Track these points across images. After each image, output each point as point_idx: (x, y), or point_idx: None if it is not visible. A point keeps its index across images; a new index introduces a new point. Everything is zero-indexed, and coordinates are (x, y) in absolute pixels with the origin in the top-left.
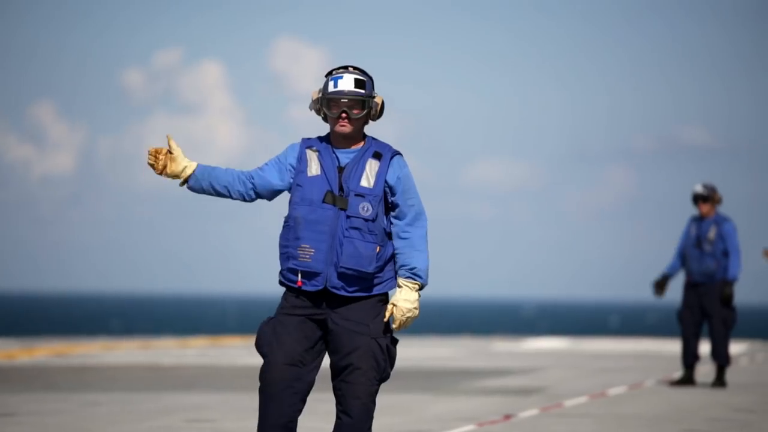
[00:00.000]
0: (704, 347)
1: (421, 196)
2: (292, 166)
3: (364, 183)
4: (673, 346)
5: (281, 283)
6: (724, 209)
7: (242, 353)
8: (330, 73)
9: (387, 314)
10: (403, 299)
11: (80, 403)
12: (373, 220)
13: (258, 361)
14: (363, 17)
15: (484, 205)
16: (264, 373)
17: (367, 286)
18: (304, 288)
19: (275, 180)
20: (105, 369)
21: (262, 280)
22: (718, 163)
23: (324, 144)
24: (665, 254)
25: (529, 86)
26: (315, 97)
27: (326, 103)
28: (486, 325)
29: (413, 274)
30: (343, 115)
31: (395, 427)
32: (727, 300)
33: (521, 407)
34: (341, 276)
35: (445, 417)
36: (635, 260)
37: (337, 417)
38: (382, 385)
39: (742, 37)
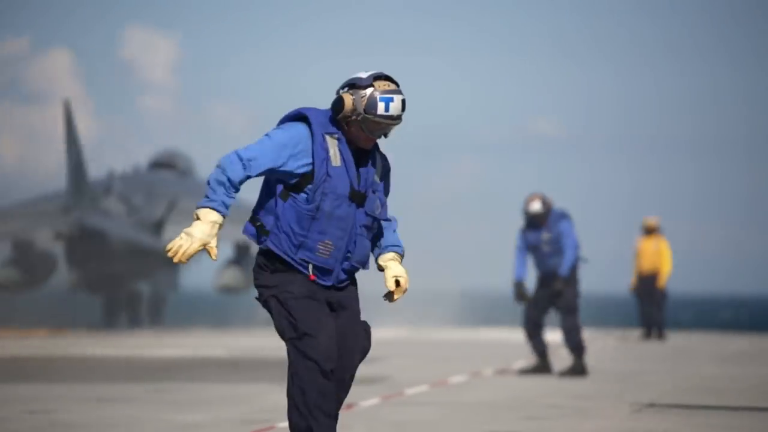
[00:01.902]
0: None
1: None
2: (304, 153)
3: (376, 179)
4: (514, 335)
5: (285, 262)
6: (576, 198)
7: (83, 344)
8: (371, 85)
9: (392, 285)
10: (403, 270)
11: None
12: (378, 220)
13: (99, 353)
14: (214, 5)
15: None
16: (315, 349)
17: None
18: (317, 282)
19: (268, 164)
20: None
21: None
22: (568, 153)
23: (337, 129)
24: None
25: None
26: (350, 104)
27: (369, 123)
28: None
29: (401, 250)
30: (382, 136)
31: (236, 417)
32: (556, 294)
33: (362, 396)
34: (346, 271)
35: (285, 406)
36: (485, 249)
37: None
38: (222, 375)
39: (592, 28)
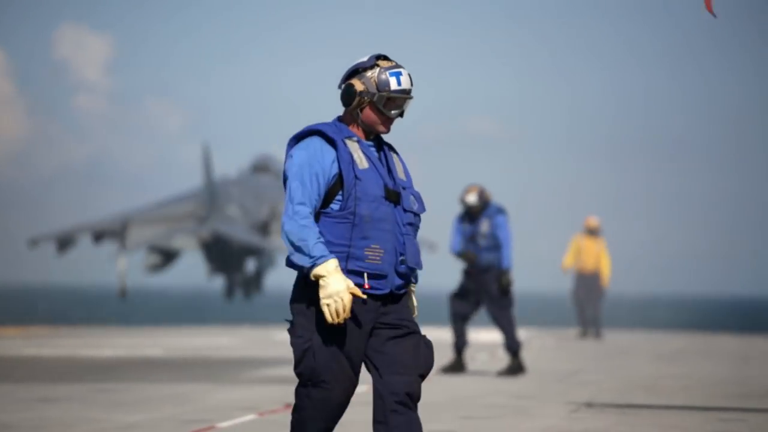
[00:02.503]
0: (476, 336)
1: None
2: (331, 160)
3: (401, 176)
4: (446, 335)
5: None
6: (510, 197)
7: (19, 344)
8: (376, 65)
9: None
10: (414, 303)
11: None
12: (419, 215)
13: (42, 353)
14: (147, 4)
15: None
16: (325, 401)
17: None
18: (371, 292)
19: (316, 191)
20: None
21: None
22: (502, 152)
23: (353, 133)
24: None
25: (314, 77)
26: (361, 88)
27: (384, 101)
28: (269, 314)
29: (415, 280)
30: (399, 116)
31: (176, 417)
32: (505, 288)
33: None
34: (402, 276)
35: (225, 406)
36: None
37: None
38: (162, 374)
39: (528, 32)
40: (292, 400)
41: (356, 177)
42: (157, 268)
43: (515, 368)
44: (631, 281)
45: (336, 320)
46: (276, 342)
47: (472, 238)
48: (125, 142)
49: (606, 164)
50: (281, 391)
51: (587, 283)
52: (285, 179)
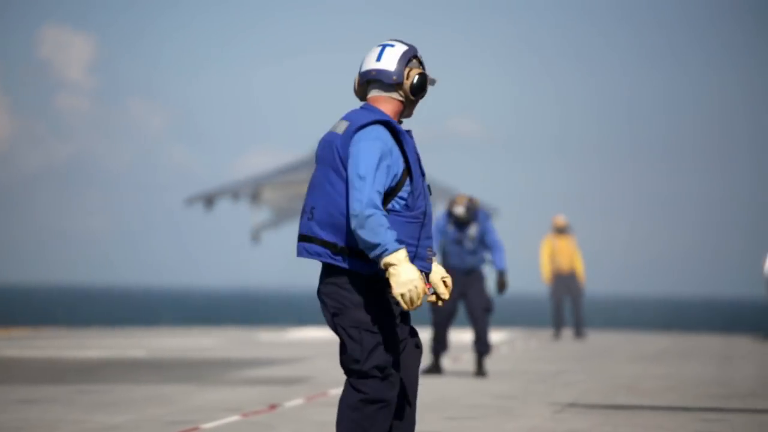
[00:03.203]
0: (461, 336)
1: (195, 185)
2: (397, 156)
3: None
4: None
5: (378, 281)
6: (494, 198)
7: (0, 345)
8: (415, 50)
9: (442, 288)
10: (443, 270)
11: None
12: None
13: (23, 354)
14: (130, 4)
15: None
16: (391, 389)
17: None
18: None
19: (386, 184)
20: None
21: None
22: (485, 153)
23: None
24: None
25: (301, 77)
26: (409, 71)
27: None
28: (250, 314)
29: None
30: None
31: (160, 418)
32: (501, 288)
33: (286, 397)
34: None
35: (209, 407)
36: None
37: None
38: (146, 375)
39: (512, 32)
40: (275, 400)
41: (422, 173)
42: (273, 225)
43: (479, 372)
44: (614, 281)
45: (411, 308)
46: (260, 343)
47: (458, 241)
48: (108, 142)
49: (590, 165)
50: (265, 392)
51: (566, 284)
52: (344, 164)
